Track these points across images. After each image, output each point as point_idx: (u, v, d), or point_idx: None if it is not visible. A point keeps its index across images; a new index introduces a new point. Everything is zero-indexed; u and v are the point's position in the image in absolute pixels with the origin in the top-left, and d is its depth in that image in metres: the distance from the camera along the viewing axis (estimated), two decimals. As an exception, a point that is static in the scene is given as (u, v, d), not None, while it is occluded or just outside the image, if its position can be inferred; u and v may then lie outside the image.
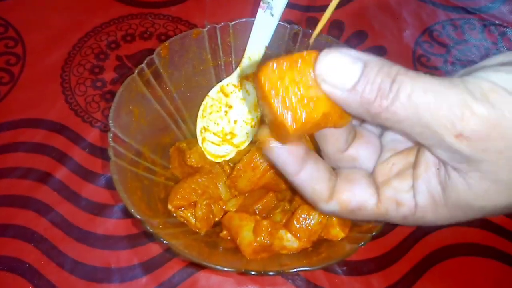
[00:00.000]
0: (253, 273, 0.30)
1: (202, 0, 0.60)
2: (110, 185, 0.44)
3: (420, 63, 0.56)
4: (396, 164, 0.25)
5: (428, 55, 0.57)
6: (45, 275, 0.39)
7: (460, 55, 0.58)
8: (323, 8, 0.62)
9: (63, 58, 0.53)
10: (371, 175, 0.26)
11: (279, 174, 0.36)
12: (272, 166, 0.36)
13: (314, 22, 0.59)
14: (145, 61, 0.40)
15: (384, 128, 0.28)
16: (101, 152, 0.46)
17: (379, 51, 0.57)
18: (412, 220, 0.24)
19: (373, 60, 0.20)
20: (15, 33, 0.55)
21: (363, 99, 0.20)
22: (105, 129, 0.47)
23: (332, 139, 0.26)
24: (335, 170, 0.27)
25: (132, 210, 0.32)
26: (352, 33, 0.58)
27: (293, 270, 0.31)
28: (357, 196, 0.25)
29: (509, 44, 0.59)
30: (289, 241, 0.34)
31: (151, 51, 0.53)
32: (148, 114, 0.40)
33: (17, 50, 0.54)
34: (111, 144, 0.35)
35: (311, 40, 0.28)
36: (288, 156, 0.24)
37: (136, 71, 0.39)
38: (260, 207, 0.37)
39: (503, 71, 0.20)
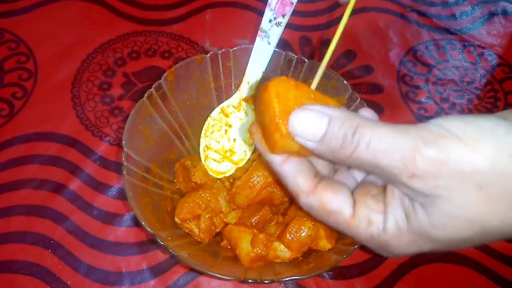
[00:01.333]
0: (250, 281, 0.35)
1: (202, 19, 0.64)
2: (120, 196, 0.48)
3: (403, 82, 0.61)
4: (373, 190, 0.27)
5: (411, 75, 0.62)
6: (62, 278, 0.43)
7: (441, 74, 0.62)
8: (315, 28, 0.67)
9: (72, 74, 0.57)
10: (350, 192, 0.28)
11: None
12: (268, 184, 0.40)
13: (306, 41, 0.63)
14: (154, 86, 0.43)
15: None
16: (111, 165, 0.50)
17: (367, 70, 0.61)
18: (378, 241, 0.26)
19: (337, 115, 0.24)
20: (26, 48, 0.58)
21: (330, 149, 0.25)
22: (114, 143, 0.52)
23: (319, 165, 0.30)
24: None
25: (145, 225, 0.36)
26: (342, 52, 0.62)
27: (286, 279, 0.35)
28: (337, 200, 0.26)
29: (486, 64, 0.64)
30: (282, 251, 0.39)
31: (155, 68, 0.58)
32: (156, 133, 0.44)
33: (29, 65, 0.57)
34: (125, 163, 0.39)
35: (315, 81, 0.30)
36: None
37: (145, 95, 0.43)
38: (257, 220, 0.41)
39: (455, 118, 0.23)
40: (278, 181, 0.38)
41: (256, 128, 0.28)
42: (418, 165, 0.22)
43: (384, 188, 0.27)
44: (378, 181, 0.28)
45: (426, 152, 0.22)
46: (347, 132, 0.24)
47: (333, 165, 0.31)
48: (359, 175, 0.31)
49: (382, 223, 0.26)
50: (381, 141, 0.23)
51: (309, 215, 0.37)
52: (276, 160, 0.27)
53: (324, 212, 0.27)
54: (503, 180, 0.22)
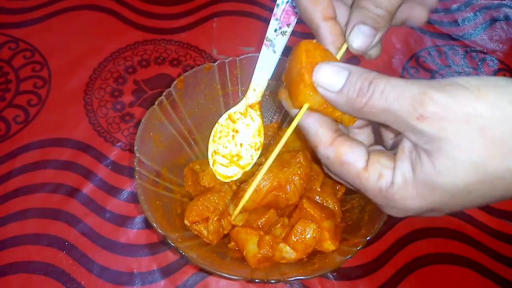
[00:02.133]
0: (257, 281, 0.36)
1: (210, 27, 0.66)
2: (131, 199, 0.50)
3: (406, 88, 0.62)
4: (389, 152, 0.29)
5: (414, 80, 0.63)
6: (76, 278, 0.45)
7: (443, 80, 0.63)
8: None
9: (85, 81, 0.59)
10: (367, 150, 0.30)
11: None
12: (273, 188, 0.42)
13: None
14: (164, 94, 0.45)
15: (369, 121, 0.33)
16: (122, 169, 0.52)
17: (370, 76, 0.63)
18: (385, 194, 0.27)
19: (356, 69, 0.27)
20: (41, 57, 0.61)
21: (348, 98, 0.27)
22: (125, 148, 0.53)
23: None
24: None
25: (156, 227, 0.38)
26: (345, 59, 0.64)
27: (291, 279, 0.37)
28: (352, 153, 0.28)
29: (488, 69, 0.65)
30: (288, 252, 0.40)
31: (164, 76, 0.60)
32: (166, 139, 0.46)
33: (43, 73, 0.59)
34: (137, 168, 0.41)
35: None
36: None
37: (156, 103, 0.44)
38: (263, 222, 0.43)
39: (459, 77, 0.25)
40: (280, 187, 0.41)
41: (283, 89, 0.32)
42: (426, 107, 0.24)
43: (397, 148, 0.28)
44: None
45: (433, 96, 0.24)
46: (364, 83, 0.26)
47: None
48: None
49: (391, 177, 0.27)
50: (394, 88, 0.25)
51: (318, 218, 0.39)
52: (301, 113, 0.30)
53: (339, 162, 0.29)
54: (503, 124, 0.23)
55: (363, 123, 0.34)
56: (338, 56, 0.33)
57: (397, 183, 0.27)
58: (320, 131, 0.29)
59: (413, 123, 0.25)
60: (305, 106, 0.30)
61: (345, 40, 0.32)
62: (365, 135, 0.34)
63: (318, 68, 0.28)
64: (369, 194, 0.28)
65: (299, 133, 0.33)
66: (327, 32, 0.32)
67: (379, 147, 0.33)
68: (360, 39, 0.31)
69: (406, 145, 0.27)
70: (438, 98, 0.24)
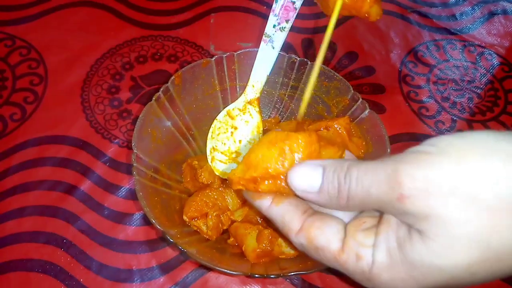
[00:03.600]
0: (257, 276, 0.36)
1: (207, 23, 0.66)
2: (129, 196, 0.50)
3: (405, 82, 0.62)
4: (367, 223, 0.26)
5: (412, 75, 0.63)
6: (75, 276, 0.45)
7: (442, 74, 0.63)
8: (316, 30, 0.69)
9: (82, 78, 0.58)
10: (344, 225, 0.27)
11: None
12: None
13: (309, 43, 0.65)
14: (161, 89, 0.45)
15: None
16: (120, 166, 0.52)
17: (368, 70, 0.63)
18: (369, 277, 0.24)
19: (329, 163, 0.25)
20: (37, 54, 0.60)
21: (330, 196, 0.25)
22: (123, 145, 0.53)
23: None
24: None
25: (155, 223, 0.37)
26: (344, 54, 0.64)
27: (291, 274, 0.36)
28: (324, 235, 0.25)
29: (486, 63, 0.65)
30: (287, 247, 0.40)
31: (162, 72, 0.60)
32: (164, 135, 0.46)
33: (39, 70, 0.59)
34: (135, 164, 0.40)
35: (300, 112, 0.32)
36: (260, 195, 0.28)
37: (153, 99, 0.44)
38: (263, 217, 0.43)
39: (444, 135, 0.23)
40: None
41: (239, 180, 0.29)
42: (403, 186, 0.21)
43: (379, 219, 0.25)
44: (375, 212, 0.27)
45: (409, 171, 0.21)
46: (340, 176, 0.24)
47: None
48: None
49: (371, 256, 0.24)
50: (366, 173, 0.23)
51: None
52: (264, 204, 0.28)
53: (313, 248, 0.26)
54: (496, 188, 0.20)
55: None
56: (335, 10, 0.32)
57: (379, 261, 0.23)
58: (286, 219, 0.27)
59: (396, 206, 0.22)
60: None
61: None
62: None
63: (291, 173, 0.26)
64: (353, 277, 0.25)
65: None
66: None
67: (364, 215, 0.27)
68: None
69: (392, 219, 0.24)
70: (413, 172, 0.21)
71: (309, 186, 0.26)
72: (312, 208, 0.28)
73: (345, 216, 0.27)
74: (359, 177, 0.23)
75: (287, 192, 0.27)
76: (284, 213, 0.27)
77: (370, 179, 0.23)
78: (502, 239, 0.20)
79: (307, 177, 0.26)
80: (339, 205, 0.25)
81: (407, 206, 0.21)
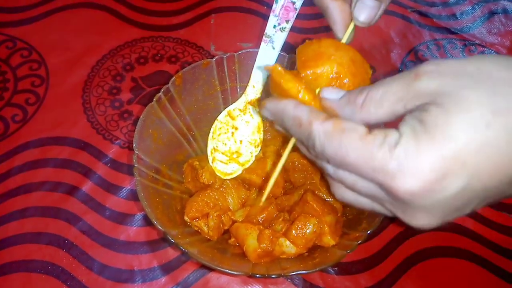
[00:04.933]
0: (258, 276, 0.36)
1: (207, 24, 0.66)
2: (130, 197, 0.50)
3: (405, 82, 0.62)
4: None
5: (413, 74, 0.63)
6: (77, 276, 0.45)
7: (442, 74, 0.63)
8: (317, 30, 0.68)
9: (83, 79, 0.59)
10: None
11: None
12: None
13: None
14: (162, 90, 0.45)
15: None
16: (121, 167, 0.52)
17: (369, 70, 0.62)
18: (396, 156, 0.24)
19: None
20: (38, 56, 0.60)
21: (349, 99, 0.28)
22: (124, 146, 0.53)
23: None
24: None
25: (157, 223, 0.38)
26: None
27: (292, 273, 0.37)
28: (351, 122, 0.27)
29: (487, 63, 0.65)
30: (288, 247, 0.40)
31: (163, 73, 0.60)
32: (165, 136, 0.46)
33: (40, 72, 0.59)
34: (136, 165, 0.41)
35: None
36: None
37: (154, 100, 0.44)
38: (264, 218, 0.43)
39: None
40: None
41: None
42: (419, 68, 0.25)
43: None
44: None
45: (423, 65, 0.25)
46: (359, 90, 0.27)
47: None
48: None
49: (397, 133, 0.24)
50: (385, 80, 0.26)
51: (319, 212, 0.39)
52: (291, 102, 0.29)
53: (339, 131, 0.26)
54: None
55: None
56: (346, 35, 0.35)
57: (406, 133, 0.24)
58: (313, 112, 0.28)
59: (412, 85, 0.24)
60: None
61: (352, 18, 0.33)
62: None
63: (324, 89, 0.30)
64: (377, 165, 0.24)
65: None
66: (336, 11, 0.33)
67: None
68: (365, 12, 0.32)
69: (404, 118, 0.25)
70: (427, 64, 0.24)
71: (335, 93, 0.29)
72: None
73: None
74: (380, 82, 0.26)
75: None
76: (311, 109, 0.28)
77: (389, 80, 0.26)
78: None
79: (334, 90, 0.29)
80: (356, 104, 0.27)
81: (422, 82, 0.24)
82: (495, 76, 0.24)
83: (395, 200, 0.25)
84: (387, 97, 0.26)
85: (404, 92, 0.25)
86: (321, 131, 0.27)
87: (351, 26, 0.35)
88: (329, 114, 0.29)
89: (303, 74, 0.32)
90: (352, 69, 0.32)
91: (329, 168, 0.28)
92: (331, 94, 0.29)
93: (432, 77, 0.24)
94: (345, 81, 0.32)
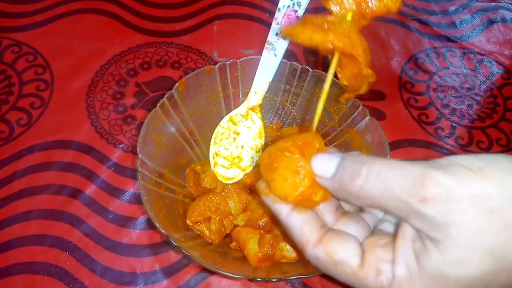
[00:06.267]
0: (259, 279, 0.37)
1: (210, 30, 0.67)
2: (133, 200, 0.50)
3: (405, 89, 0.63)
4: (383, 239, 0.26)
5: (412, 82, 0.64)
6: (80, 279, 0.45)
7: (441, 81, 0.64)
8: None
9: (87, 84, 0.59)
10: (359, 242, 0.27)
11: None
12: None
13: (310, 50, 0.65)
14: (166, 96, 0.46)
15: (367, 208, 0.30)
16: (125, 171, 0.52)
17: (369, 77, 0.63)
18: None
19: (349, 154, 0.26)
20: (43, 60, 0.61)
21: (341, 183, 0.25)
22: (128, 150, 0.54)
23: (320, 212, 0.29)
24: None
25: (160, 227, 0.38)
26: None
27: (292, 277, 0.37)
28: (344, 249, 0.26)
29: (485, 70, 0.66)
30: (288, 251, 0.41)
31: (166, 78, 0.61)
32: (168, 140, 0.47)
33: (45, 76, 0.60)
34: (140, 169, 0.41)
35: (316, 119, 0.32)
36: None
37: (158, 105, 0.45)
38: (264, 222, 0.43)
39: (458, 156, 0.24)
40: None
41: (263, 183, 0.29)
42: (428, 189, 0.22)
43: (394, 237, 0.26)
44: (389, 228, 0.28)
45: (435, 176, 0.22)
46: (356, 166, 0.25)
47: (340, 216, 0.30)
48: (371, 220, 0.30)
49: (391, 271, 0.24)
50: (391, 169, 0.23)
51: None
52: (284, 210, 0.27)
53: (331, 262, 0.26)
54: None
55: (354, 208, 0.31)
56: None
57: (399, 275, 0.24)
58: (305, 229, 0.27)
59: (417, 207, 0.22)
60: None
61: None
62: (359, 225, 0.29)
63: (314, 159, 0.27)
64: None
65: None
66: None
67: (378, 233, 0.28)
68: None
69: (407, 233, 0.24)
70: (440, 179, 0.22)
71: (324, 171, 0.26)
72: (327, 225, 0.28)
73: (360, 235, 0.28)
74: (382, 172, 0.24)
75: (309, 203, 0.28)
76: (304, 223, 0.27)
77: (393, 175, 0.23)
78: None
79: (324, 163, 0.27)
80: (349, 193, 0.25)
81: (428, 209, 0.22)
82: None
83: None
84: (386, 200, 0.24)
85: (405, 208, 0.23)
86: (313, 258, 0.27)
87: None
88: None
89: (329, 6, 0.31)
90: None
91: None
92: (321, 170, 0.27)
93: (440, 211, 0.22)
94: None
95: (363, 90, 0.33)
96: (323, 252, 0.26)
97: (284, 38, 0.46)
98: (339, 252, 0.25)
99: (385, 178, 0.23)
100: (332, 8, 0.31)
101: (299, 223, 0.27)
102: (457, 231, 0.22)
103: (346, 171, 0.25)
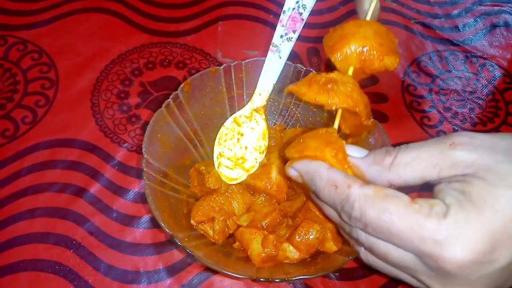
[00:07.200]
0: (262, 280, 0.37)
1: (215, 31, 0.67)
2: (137, 199, 0.51)
3: (408, 92, 0.63)
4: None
5: (415, 85, 0.64)
6: (84, 276, 0.46)
7: (444, 84, 0.65)
8: (321, 40, 0.69)
9: (92, 83, 0.60)
10: None
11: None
12: None
13: (314, 52, 0.66)
14: (171, 96, 0.46)
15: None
16: (129, 170, 0.53)
17: (372, 80, 0.64)
18: (445, 225, 0.23)
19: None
20: (48, 59, 0.62)
21: (375, 159, 0.28)
22: (132, 149, 0.54)
23: None
24: None
25: (164, 226, 0.39)
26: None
27: (295, 278, 0.37)
28: (393, 190, 0.26)
29: (487, 74, 0.66)
30: (291, 252, 0.41)
31: (170, 78, 0.61)
32: (173, 140, 0.47)
33: (50, 75, 0.60)
34: (145, 169, 0.42)
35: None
36: None
37: (163, 105, 0.45)
38: (268, 223, 0.44)
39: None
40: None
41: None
42: (454, 137, 0.26)
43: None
44: None
45: (457, 136, 0.26)
46: (386, 149, 0.29)
47: None
48: None
49: (442, 203, 0.24)
50: (416, 145, 0.27)
51: (322, 218, 0.40)
52: (324, 165, 0.29)
53: (381, 197, 0.25)
54: None
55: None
56: (370, 10, 0.36)
57: (453, 204, 0.24)
58: (350, 177, 0.28)
59: (447, 153, 0.25)
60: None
61: None
62: None
63: (347, 146, 0.30)
64: (425, 234, 0.24)
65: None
66: None
67: None
68: None
69: (443, 184, 0.26)
70: (461, 135, 0.26)
71: (358, 152, 0.30)
72: None
73: None
74: (410, 146, 0.27)
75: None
76: (347, 174, 0.28)
77: (419, 145, 0.27)
78: None
79: (357, 148, 0.30)
80: (382, 166, 0.28)
81: (459, 152, 0.25)
82: None
83: (437, 272, 0.25)
84: (418, 162, 0.26)
85: (438, 159, 0.26)
86: (362, 195, 0.26)
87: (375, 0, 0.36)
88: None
89: (333, 59, 0.33)
90: (378, 40, 0.33)
91: (361, 235, 0.28)
92: (355, 152, 0.30)
93: (468, 149, 0.25)
94: (373, 53, 0.32)
95: (364, 136, 0.37)
96: (372, 189, 0.26)
97: (288, 40, 0.46)
98: (389, 190, 0.26)
99: (414, 147, 0.27)
100: (335, 62, 0.34)
101: (342, 173, 0.28)
102: (486, 169, 0.24)
103: (379, 151, 0.29)
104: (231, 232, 0.45)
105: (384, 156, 0.28)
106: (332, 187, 0.28)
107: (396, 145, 0.56)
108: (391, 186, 0.28)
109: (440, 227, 0.23)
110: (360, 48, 0.33)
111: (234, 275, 0.37)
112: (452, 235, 0.23)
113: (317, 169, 0.29)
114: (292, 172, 0.32)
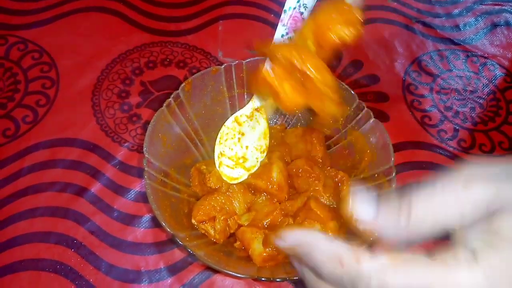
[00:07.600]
0: (263, 279, 0.37)
1: (215, 30, 0.67)
2: (138, 199, 0.51)
3: (409, 91, 0.63)
4: None
5: (416, 84, 0.64)
6: (85, 276, 0.46)
7: (445, 84, 0.65)
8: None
9: (92, 82, 0.60)
10: None
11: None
12: None
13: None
14: (172, 96, 0.46)
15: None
16: (130, 169, 0.53)
17: (373, 79, 0.64)
18: (480, 259, 0.22)
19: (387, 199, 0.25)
20: (49, 58, 0.62)
21: (386, 220, 0.25)
22: (133, 148, 0.54)
23: None
24: None
25: (165, 225, 0.39)
26: (349, 62, 0.65)
27: (296, 278, 0.37)
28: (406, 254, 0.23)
29: (488, 73, 0.66)
30: (293, 252, 0.41)
31: (171, 77, 0.61)
32: (173, 140, 0.47)
33: (51, 74, 0.60)
34: (146, 169, 0.42)
35: None
36: None
37: (164, 105, 0.45)
38: (268, 222, 0.44)
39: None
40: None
41: None
42: (465, 175, 0.23)
43: None
44: None
45: (469, 171, 0.24)
46: (395, 203, 0.25)
47: None
48: None
49: (464, 249, 0.22)
50: (428, 193, 0.24)
51: (323, 218, 0.40)
52: (323, 234, 0.26)
53: (400, 263, 0.22)
54: None
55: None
56: None
57: (479, 247, 0.22)
58: (354, 246, 0.24)
59: (465, 195, 0.23)
60: None
61: None
62: None
63: (354, 207, 0.26)
64: (463, 281, 0.21)
65: None
66: None
67: None
68: None
69: (462, 232, 0.23)
70: (473, 165, 0.24)
71: (366, 214, 0.25)
72: None
73: None
74: (421, 197, 0.24)
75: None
76: (348, 245, 0.24)
77: (431, 192, 0.24)
78: None
79: (365, 207, 0.25)
80: (399, 228, 0.24)
81: (477, 190, 0.23)
82: None
83: None
84: (436, 214, 0.23)
85: (457, 206, 0.23)
86: (378, 268, 0.23)
87: None
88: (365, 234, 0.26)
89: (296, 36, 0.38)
90: (332, 13, 0.36)
91: None
92: (363, 213, 0.25)
93: (484, 183, 0.23)
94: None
95: (330, 108, 0.37)
96: (385, 258, 0.23)
97: (289, 39, 0.46)
98: (403, 254, 0.23)
99: (426, 198, 0.24)
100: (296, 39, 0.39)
101: (344, 244, 0.24)
102: None
103: (388, 209, 0.25)
104: (232, 231, 0.45)
105: (398, 217, 0.24)
106: (336, 264, 0.24)
107: (396, 144, 0.57)
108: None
109: (475, 274, 0.21)
110: (312, 21, 0.37)
111: (235, 274, 0.37)
112: (490, 278, 0.21)
113: (315, 242, 0.25)
114: (281, 244, 0.28)
